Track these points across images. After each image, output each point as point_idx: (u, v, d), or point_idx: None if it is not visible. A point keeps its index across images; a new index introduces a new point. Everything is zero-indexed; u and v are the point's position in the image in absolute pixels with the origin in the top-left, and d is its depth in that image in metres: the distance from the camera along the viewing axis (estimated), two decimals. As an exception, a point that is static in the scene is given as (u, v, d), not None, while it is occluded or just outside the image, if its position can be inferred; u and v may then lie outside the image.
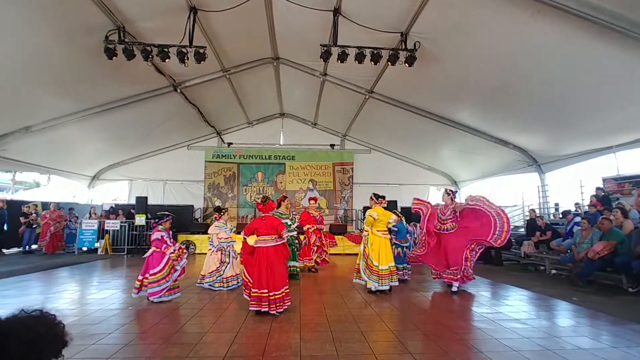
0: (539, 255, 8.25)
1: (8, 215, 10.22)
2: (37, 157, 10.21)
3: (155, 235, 5.00)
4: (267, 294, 4.17)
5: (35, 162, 10.41)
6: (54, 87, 7.57)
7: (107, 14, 6.03)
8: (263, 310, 4.15)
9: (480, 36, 6.09)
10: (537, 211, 10.15)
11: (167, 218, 5.19)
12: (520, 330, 3.75)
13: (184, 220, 11.47)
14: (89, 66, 7.11)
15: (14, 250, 10.75)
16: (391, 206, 11.66)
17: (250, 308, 4.23)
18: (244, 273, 4.58)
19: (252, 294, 4.25)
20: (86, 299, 5.16)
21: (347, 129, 13.25)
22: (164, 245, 4.92)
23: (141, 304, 4.80)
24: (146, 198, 11.41)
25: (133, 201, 11.63)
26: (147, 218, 10.77)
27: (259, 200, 4.68)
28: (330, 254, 10.93)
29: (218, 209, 6.33)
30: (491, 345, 3.32)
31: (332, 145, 14.16)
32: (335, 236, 11.30)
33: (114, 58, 6.38)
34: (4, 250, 9.47)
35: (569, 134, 8.05)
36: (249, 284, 4.41)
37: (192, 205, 12.82)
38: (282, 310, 4.25)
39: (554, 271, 7.53)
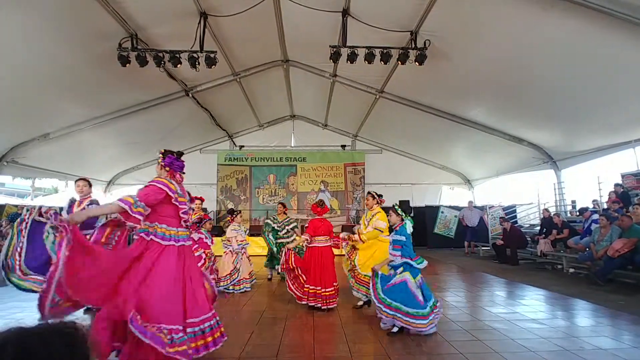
0: (556, 254, 8.08)
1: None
2: (56, 163, 10.48)
3: (196, 236, 5.18)
4: (321, 291, 4.48)
5: (53, 169, 10.68)
6: (70, 95, 7.77)
7: (120, 22, 6.16)
8: (317, 305, 4.47)
9: (492, 32, 6.02)
10: (554, 209, 9.95)
11: (207, 219, 5.38)
12: (537, 331, 3.68)
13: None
14: (103, 73, 7.27)
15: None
16: (404, 206, 11.61)
17: (302, 302, 4.60)
18: (297, 270, 4.78)
19: (308, 290, 4.55)
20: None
21: (358, 129, 13.22)
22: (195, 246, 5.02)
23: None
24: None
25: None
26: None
27: (317, 204, 5.01)
28: (343, 255, 10.93)
29: (231, 212, 6.39)
30: (507, 345, 3.27)
31: (343, 146, 14.15)
32: (348, 237, 11.31)
33: (128, 65, 6.51)
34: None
35: (585, 129, 7.87)
36: (301, 280, 4.72)
37: (205, 208, 12.94)
38: (332, 306, 4.51)
39: (572, 270, 7.37)
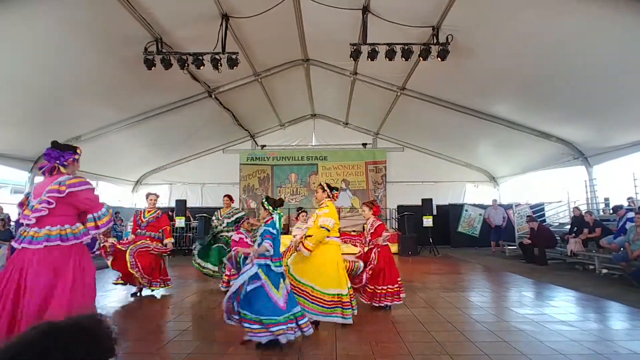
0: (587, 254, 7.77)
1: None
2: (87, 164, 10.85)
3: (236, 236, 5.33)
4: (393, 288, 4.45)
5: (84, 170, 11.11)
6: (99, 99, 8.08)
7: (146, 27, 6.36)
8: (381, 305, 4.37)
9: (516, 24, 5.82)
10: (585, 207, 9.56)
11: (245, 219, 5.50)
12: (567, 333, 3.55)
13: (221, 222, 11.83)
14: (131, 77, 7.53)
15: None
16: (427, 205, 11.50)
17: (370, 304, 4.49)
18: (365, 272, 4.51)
19: (384, 291, 4.42)
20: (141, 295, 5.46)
21: (379, 127, 13.12)
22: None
23: (205, 298, 5.17)
24: (185, 201, 11.92)
25: (173, 204, 12.14)
26: (186, 220, 11.21)
27: (375, 204, 4.84)
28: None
29: (299, 210, 6.24)
30: (535, 347, 3.18)
31: (365, 145, 14.07)
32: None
33: (153, 68, 6.72)
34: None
35: (619, 123, 7.50)
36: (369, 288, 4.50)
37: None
38: (399, 302, 4.50)
39: (604, 271, 7.06)
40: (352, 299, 3.79)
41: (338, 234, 3.99)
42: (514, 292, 5.73)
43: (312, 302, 3.58)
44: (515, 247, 10.46)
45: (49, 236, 2.46)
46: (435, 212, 11.92)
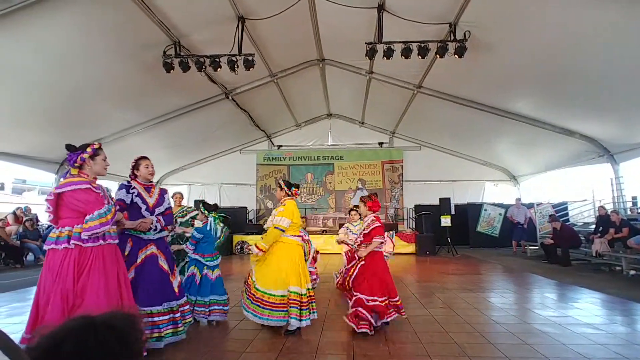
0: (613, 255, 7.50)
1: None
2: (110, 166, 11.23)
3: None
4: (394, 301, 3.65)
5: (108, 171, 11.45)
6: (120, 102, 8.31)
7: (165, 31, 6.50)
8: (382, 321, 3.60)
9: (537, 18, 5.66)
10: (611, 206, 9.23)
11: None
12: (592, 336, 3.44)
13: (238, 222, 11.98)
14: (150, 80, 7.71)
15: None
16: (444, 204, 11.33)
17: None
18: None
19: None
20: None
21: (396, 126, 13.00)
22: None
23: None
24: (203, 201, 12.09)
25: (192, 204, 12.36)
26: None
27: (372, 198, 4.15)
28: (382, 254, 10.83)
29: (351, 210, 5.73)
30: (558, 350, 3.09)
31: (381, 144, 13.98)
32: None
33: (171, 71, 6.86)
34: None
35: (647, 119, 7.22)
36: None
37: (246, 207, 13.33)
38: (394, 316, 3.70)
39: (632, 272, 6.81)
40: (312, 300, 3.63)
41: (297, 232, 3.78)
42: (536, 293, 5.58)
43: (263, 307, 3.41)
44: (537, 248, 10.20)
45: (59, 238, 2.51)
46: (453, 212, 11.71)
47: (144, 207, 3.24)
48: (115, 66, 6.95)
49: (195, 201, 12.04)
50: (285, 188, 3.90)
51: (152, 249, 3.22)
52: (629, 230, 7.48)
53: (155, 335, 2.98)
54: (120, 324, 0.95)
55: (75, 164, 2.67)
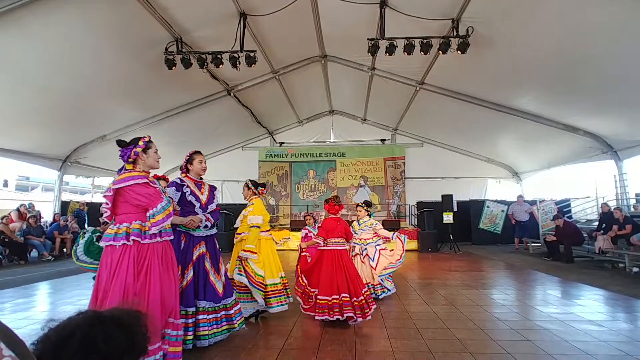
0: (617, 251, 7.47)
1: (89, 216, 11.39)
2: (112, 162, 11.27)
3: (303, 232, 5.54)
4: (348, 299, 3.58)
5: (110, 168, 11.50)
6: (122, 99, 8.32)
7: (166, 27, 6.50)
8: (342, 318, 3.56)
9: (541, 13, 5.61)
10: (614, 202, 9.19)
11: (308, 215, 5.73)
12: (595, 333, 3.44)
13: (240, 218, 11.99)
14: (152, 77, 7.71)
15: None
16: (447, 201, 11.32)
17: (317, 318, 3.62)
18: (301, 279, 4.04)
19: (320, 302, 3.63)
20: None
21: (398, 122, 12.97)
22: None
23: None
24: None
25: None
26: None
27: (333, 200, 4.06)
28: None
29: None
30: (561, 347, 3.09)
31: (383, 140, 13.95)
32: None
33: (174, 68, 6.86)
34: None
35: (651, 115, 7.17)
36: (308, 291, 3.90)
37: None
38: (369, 317, 3.69)
39: (635, 269, 6.78)
40: (287, 287, 4.06)
41: (268, 227, 4.09)
42: (539, 290, 5.58)
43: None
44: (539, 245, 10.18)
45: (116, 235, 2.43)
46: (455, 209, 11.72)
47: (197, 204, 3.20)
48: (117, 63, 6.95)
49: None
50: (253, 187, 4.11)
51: (202, 248, 3.18)
52: (632, 227, 7.45)
53: (203, 333, 2.98)
54: (127, 320, 0.95)
55: (129, 159, 2.59)
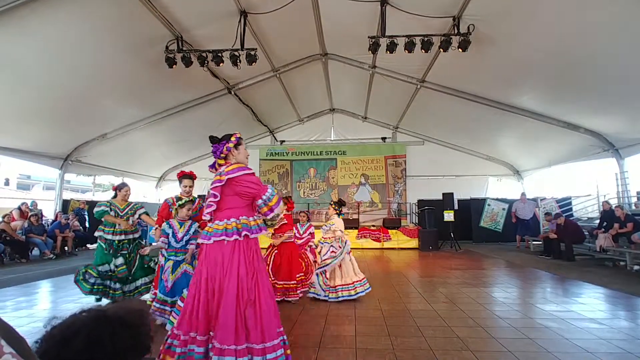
0: (618, 250, 7.47)
1: (90, 215, 11.39)
2: (113, 161, 11.30)
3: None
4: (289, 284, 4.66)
5: (110, 166, 11.52)
6: (123, 97, 8.33)
7: (167, 25, 6.49)
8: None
9: (543, 11, 5.59)
10: (615, 200, 9.18)
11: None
12: (595, 331, 3.44)
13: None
14: (153, 76, 7.71)
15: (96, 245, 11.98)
16: (448, 199, 11.31)
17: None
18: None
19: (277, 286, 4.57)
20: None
21: (399, 121, 12.96)
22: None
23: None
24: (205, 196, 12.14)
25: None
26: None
27: (286, 199, 4.85)
28: (385, 249, 10.86)
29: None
30: (561, 345, 3.09)
31: (384, 138, 13.94)
32: (389, 230, 11.20)
33: (174, 66, 6.85)
34: (89, 246, 10.62)
35: (653, 113, 7.14)
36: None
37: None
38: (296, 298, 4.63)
39: (636, 267, 6.78)
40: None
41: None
42: (539, 288, 5.58)
43: None
44: (540, 243, 10.17)
45: (217, 230, 2.39)
46: (456, 207, 11.71)
47: None
48: (118, 62, 6.95)
49: (199, 196, 12.06)
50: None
51: None
52: (633, 225, 7.44)
53: None
54: (131, 318, 0.96)
55: (222, 154, 2.61)
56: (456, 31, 6.35)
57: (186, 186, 4.30)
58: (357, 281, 4.71)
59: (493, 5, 5.87)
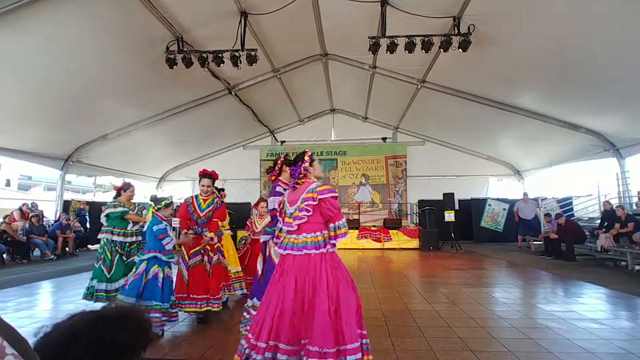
0: (619, 250, 7.46)
1: (90, 215, 11.38)
2: (113, 162, 11.31)
3: None
4: None
5: (111, 167, 11.53)
6: (124, 98, 8.33)
7: (167, 26, 6.50)
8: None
9: (543, 11, 5.59)
10: (616, 200, 9.17)
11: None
12: (596, 331, 3.44)
13: (242, 217, 12.01)
14: (154, 76, 7.72)
15: (97, 246, 11.98)
16: (448, 199, 11.30)
17: None
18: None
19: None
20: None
21: (399, 121, 12.96)
22: None
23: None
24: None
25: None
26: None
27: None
28: (385, 249, 10.85)
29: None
30: (563, 345, 3.09)
31: (384, 139, 13.94)
32: (390, 231, 11.20)
33: (175, 67, 6.86)
34: (90, 246, 10.63)
35: (654, 112, 7.13)
36: None
37: (249, 203, 13.35)
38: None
39: (637, 267, 6.77)
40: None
41: (228, 227, 5.23)
42: (540, 288, 5.58)
43: None
44: (541, 243, 10.17)
45: (306, 243, 2.52)
46: (457, 207, 11.69)
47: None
48: (118, 62, 6.96)
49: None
50: (216, 192, 4.76)
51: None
52: (634, 225, 7.43)
53: None
54: (131, 319, 0.96)
55: (301, 175, 2.73)
56: (456, 31, 6.35)
57: (204, 185, 4.30)
58: None
59: (493, 5, 5.87)
